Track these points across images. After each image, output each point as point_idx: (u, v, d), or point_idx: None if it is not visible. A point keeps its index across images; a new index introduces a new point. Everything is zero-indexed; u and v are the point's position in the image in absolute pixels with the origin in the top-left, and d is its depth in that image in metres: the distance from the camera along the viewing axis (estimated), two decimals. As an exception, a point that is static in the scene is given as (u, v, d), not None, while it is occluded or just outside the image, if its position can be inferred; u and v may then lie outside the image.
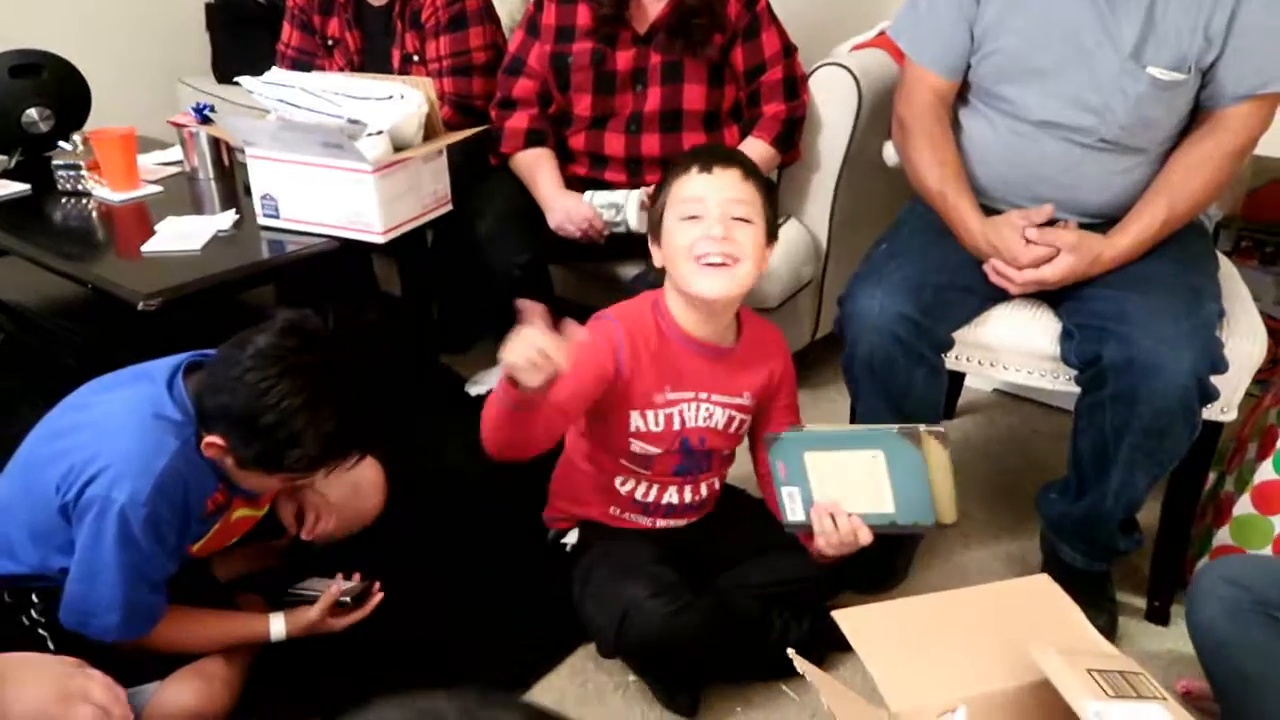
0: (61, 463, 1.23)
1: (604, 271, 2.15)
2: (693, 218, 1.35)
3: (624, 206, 1.89)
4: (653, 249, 1.44)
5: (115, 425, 1.24)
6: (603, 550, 1.48)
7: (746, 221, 1.36)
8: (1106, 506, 1.50)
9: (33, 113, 2.26)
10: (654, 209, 1.43)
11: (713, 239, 1.33)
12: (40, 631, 1.31)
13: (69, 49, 2.38)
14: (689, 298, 1.39)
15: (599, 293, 2.21)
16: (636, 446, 1.45)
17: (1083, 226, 1.53)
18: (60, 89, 2.30)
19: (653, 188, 1.87)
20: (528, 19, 2.04)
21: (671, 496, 1.52)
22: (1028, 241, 1.50)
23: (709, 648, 1.40)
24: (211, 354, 1.29)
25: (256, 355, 1.20)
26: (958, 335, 1.55)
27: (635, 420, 1.43)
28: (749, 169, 1.40)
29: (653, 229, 1.44)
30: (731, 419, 1.48)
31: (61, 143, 2.23)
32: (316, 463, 1.25)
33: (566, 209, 1.93)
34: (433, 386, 2.27)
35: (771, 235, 1.41)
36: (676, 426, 1.45)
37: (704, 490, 1.54)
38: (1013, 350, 1.56)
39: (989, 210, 1.57)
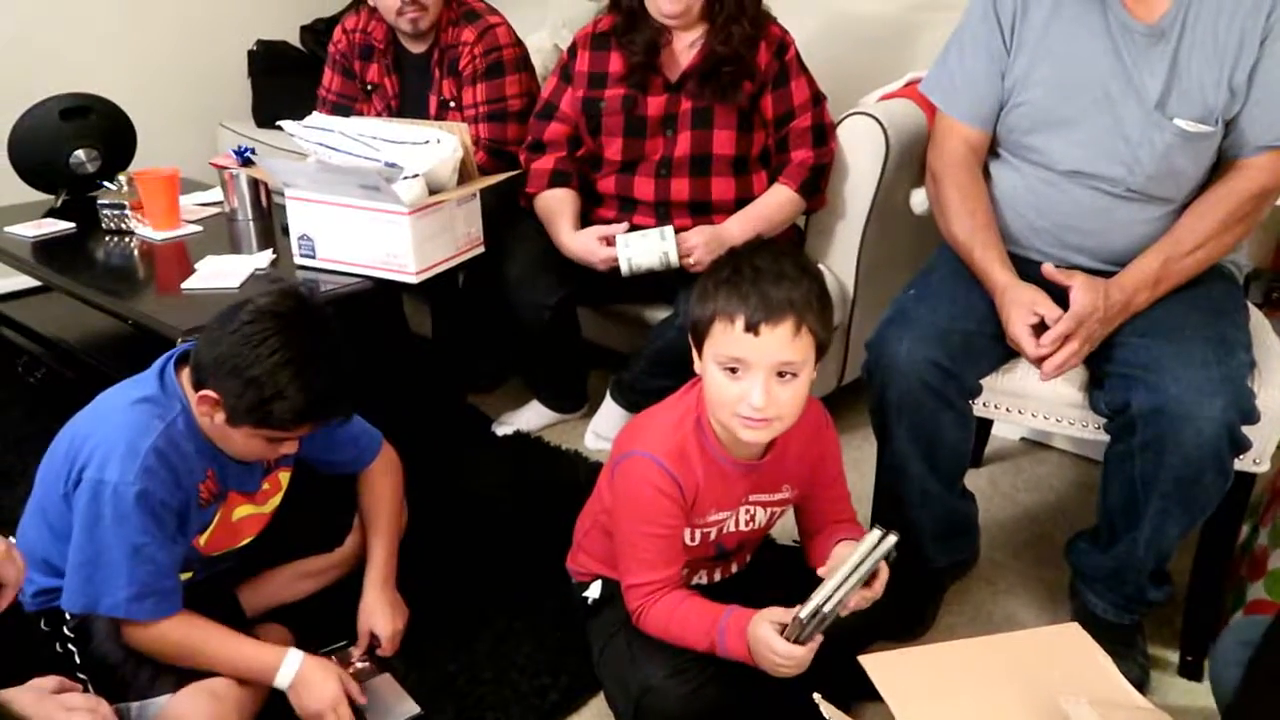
0: (63, 457, 1.31)
1: (631, 314, 2.18)
2: (733, 370, 1.26)
3: (667, 256, 1.89)
4: (693, 350, 1.34)
5: (102, 415, 1.32)
6: (623, 614, 1.43)
7: (794, 375, 1.26)
8: (1137, 556, 1.48)
9: (80, 154, 2.33)
10: (696, 311, 1.30)
11: (754, 408, 1.25)
12: (75, 660, 1.33)
13: (117, 92, 2.46)
14: (729, 431, 1.33)
15: (625, 335, 2.24)
16: None
17: (1110, 276, 1.53)
18: (107, 131, 2.38)
19: (683, 257, 1.89)
20: (561, 66, 2.09)
21: (700, 579, 1.51)
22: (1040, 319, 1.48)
23: (732, 713, 1.37)
24: None
25: (254, 310, 1.27)
26: (986, 382, 1.56)
27: None
28: (803, 313, 1.24)
29: (694, 337, 1.32)
30: (773, 515, 1.47)
31: (107, 183, 2.29)
32: (302, 418, 1.29)
33: (585, 249, 1.95)
34: (460, 426, 2.29)
35: (823, 350, 1.30)
36: (714, 537, 1.43)
37: (734, 568, 1.53)
38: (1041, 397, 1.56)
39: (1018, 259, 1.58)
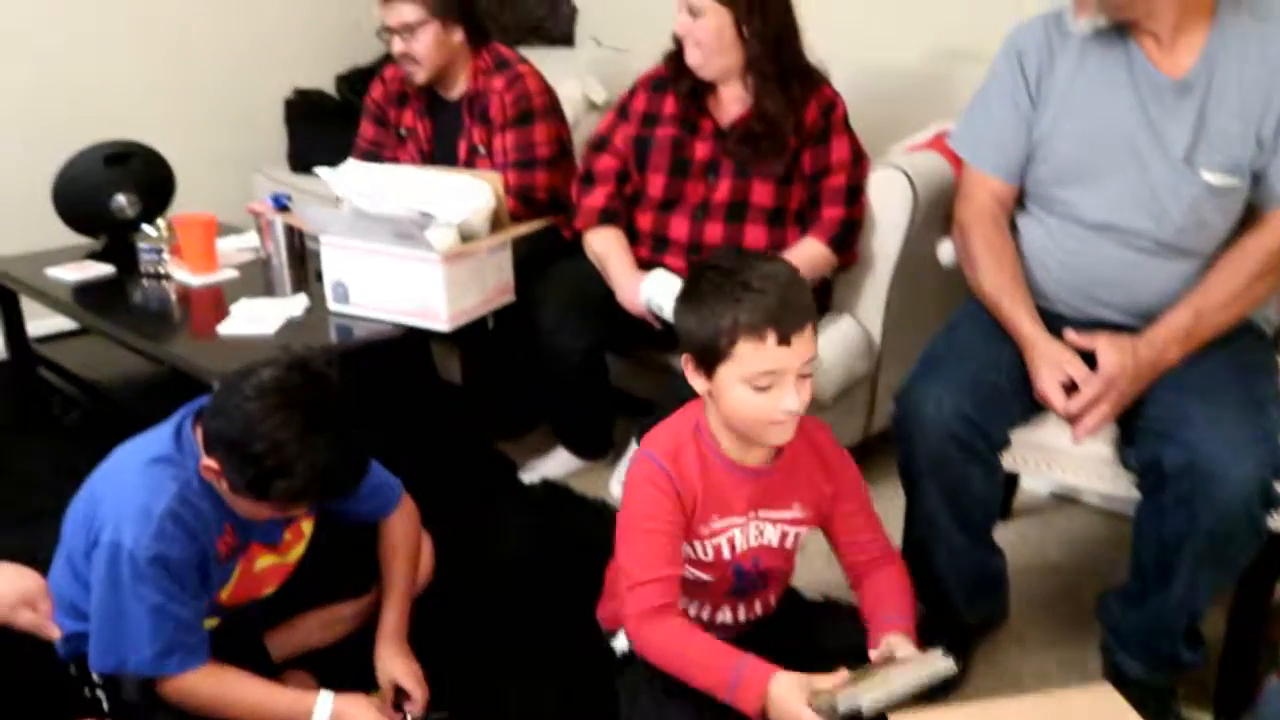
0: (83, 515, 1.32)
1: (658, 361, 2.19)
2: (765, 387, 1.25)
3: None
4: (691, 372, 1.32)
5: (119, 474, 1.32)
6: (651, 668, 1.39)
7: (809, 375, 1.29)
8: (1169, 615, 1.46)
9: (121, 199, 2.39)
10: (702, 334, 1.28)
11: (790, 412, 1.26)
12: (104, 707, 1.34)
13: (158, 138, 2.53)
14: (749, 438, 1.34)
15: (652, 382, 2.24)
16: (689, 574, 1.41)
17: (1138, 331, 1.52)
18: (148, 177, 2.44)
19: None
20: (620, 104, 2.14)
21: (725, 616, 1.49)
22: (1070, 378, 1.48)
23: None
24: None
25: (259, 386, 1.24)
26: (1015, 435, 1.55)
27: (685, 551, 1.39)
28: (814, 316, 1.29)
29: (701, 360, 1.30)
30: (785, 534, 1.44)
31: (146, 227, 2.34)
32: (301, 495, 1.29)
33: (629, 296, 1.98)
34: (486, 472, 2.30)
35: None
36: (727, 554, 1.41)
37: (758, 608, 1.51)
38: (1070, 453, 1.55)
39: (1046, 313, 1.58)
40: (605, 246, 2.06)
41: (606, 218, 2.09)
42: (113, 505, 1.28)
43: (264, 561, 1.45)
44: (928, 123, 2.30)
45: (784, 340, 1.23)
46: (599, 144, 2.13)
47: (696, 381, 1.32)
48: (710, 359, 1.28)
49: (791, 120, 1.96)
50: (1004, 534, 1.82)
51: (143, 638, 1.27)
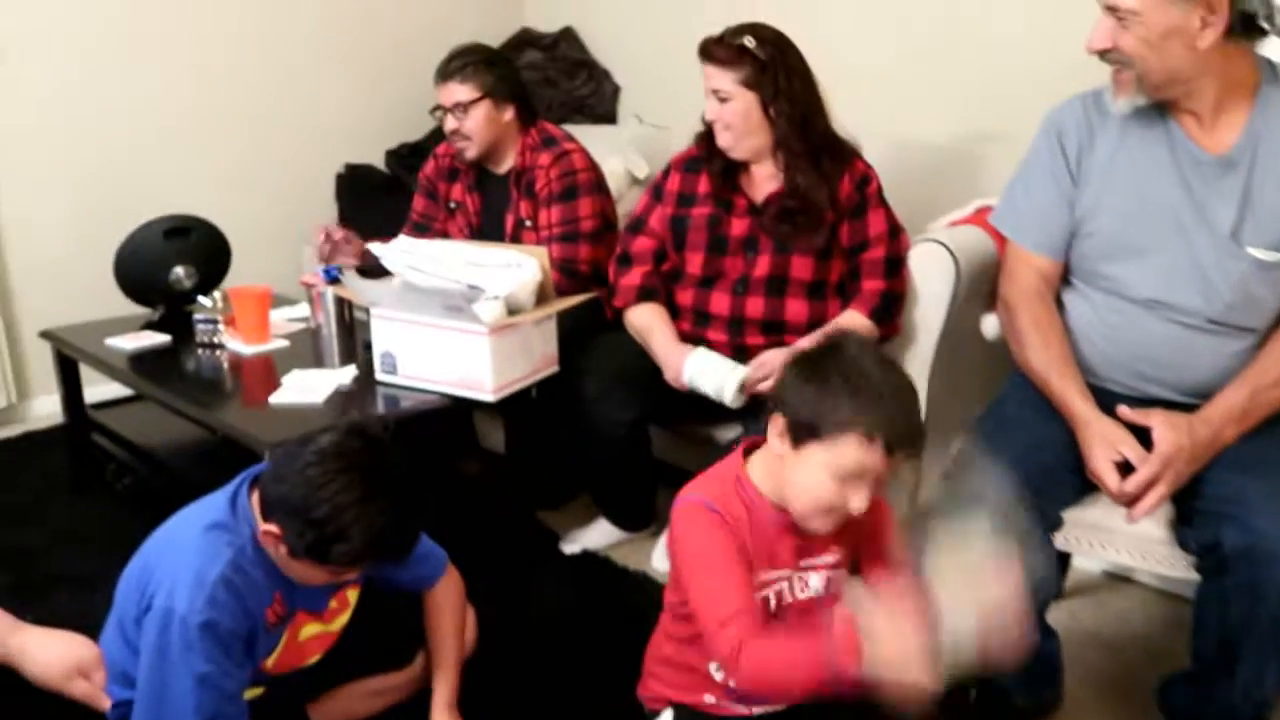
0: (137, 580, 1.34)
1: (701, 433, 2.19)
2: (847, 483, 1.24)
3: (723, 389, 1.92)
4: (776, 430, 1.29)
5: (175, 539, 1.34)
6: None
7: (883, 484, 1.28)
8: (1234, 704, 1.42)
9: (179, 270, 2.46)
10: (811, 408, 1.26)
11: (855, 512, 1.25)
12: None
13: (215, 212, 2.61)
14: (798, 518, 1.32)
15: (695, 454, 2.23)
16: None
17: (1191, 409, 1.50)
18: (205, 250, 2.51)
19: (755, 370, 1.93)
20: (654, 185, 2.18)
21: None
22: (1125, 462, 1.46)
23: None
24: None
25: (319, 451, 1.27)
26: (1067, 515, 1.52)
27: None
28: (923, 444, 1.29)
29: (795, 428, 1.27)
30: (828, 580, 1.42)
31: (202, 298, 2.41)
32: (360, 558, 1.30)
33: (674, 370, 2.00)
34: (527, 542, 2.29)
35: None
36: (773, 606, 1.39)
37: None
38: (1125, 533, 1.52)
39: (1096, 389, 1.56)
40: (646, 322, 2.09)
41: (645, 294, 2.12)
42: (168, 570, 1.30)
43: (309, 630, 1.45)
44: (963, 198, 2.32)
45: (890, 450, 1.22)
46: (635, 226, 2.17)
47: (778, 444, 1.29)
48: (808, 434, 1.25)
49: (824, 194, 1.99)
50: (1055, 612, 1.78)
51: (187, 709, 1.28)
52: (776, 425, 1.30)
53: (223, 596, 1.28)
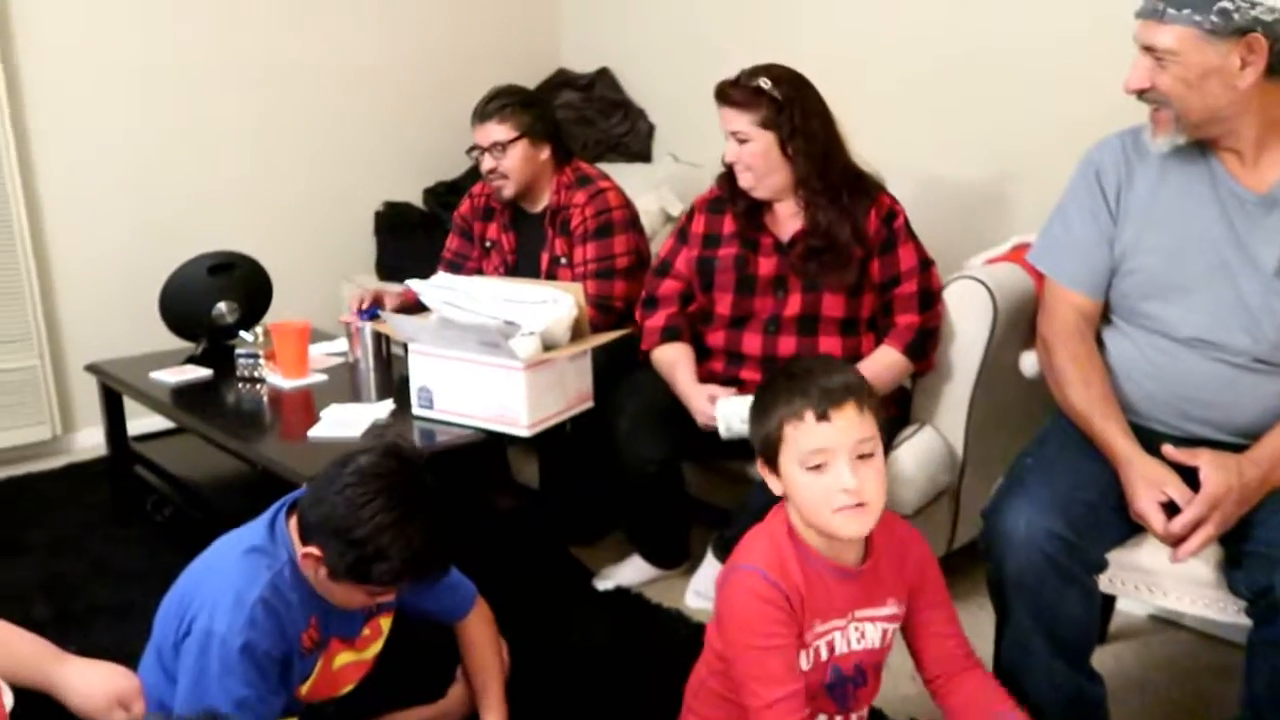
0: (177, 605, 1.35)
1: (734, 470, 2.17)
2: (818, 467, 1.30)
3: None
4: (765, 474, 1.37)
5: (214, 565, 1.36)
6: None
7: (870, 456, 1.30)
8: (1289, 756, 1.36)
9: (222, 306, 2.50)
10: (761, 431, 1.36)
11: (848, 492, 1.28)
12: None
13: (257, 248, 2.67)
14: (828, 533, 1.34)
15: (729, 492, 2.23)
16: None
17: (1236, 449, 1.47)
18: (248, 286, 2.56)
19: None
20: (679, 227, 2.19)
21: None
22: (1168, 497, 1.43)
23: None
24: None
25: (357, 472, 1.30)
26: (1112, 556, 1.49)
27: None
28: (860, 395, 1.31)
29: (766, 457, 1.36)
30: (885, 632, 1.42)
31: (244, 332, 2.44)
32: (400, 576, 1.32)
33: (697, 406, 1.99)
34: (560, 578, 2.28)
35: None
36: (825, 657, 1.39)
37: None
38: (1172, 576, 1.48)
39: (1138, 429, 1.54)
40: (670, 361, 2.08)
41: (669, 335, 2.12)
42: (208, 594, 1.32)
43: (342, 659, 1.46)
44: (998, 235, 2.31)
45: (822, 417, 1.29)
46: (661, 269, 2.17)
47: (771, 481, 1.37)
48: (771, 453, 1.34)
49: (848, 230, 1.98)
50: (1100, 656, 1.74)
51: None
52: (762, 470, 1.38)
53: (261, 618, 1.30)
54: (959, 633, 1.45)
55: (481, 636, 1.60)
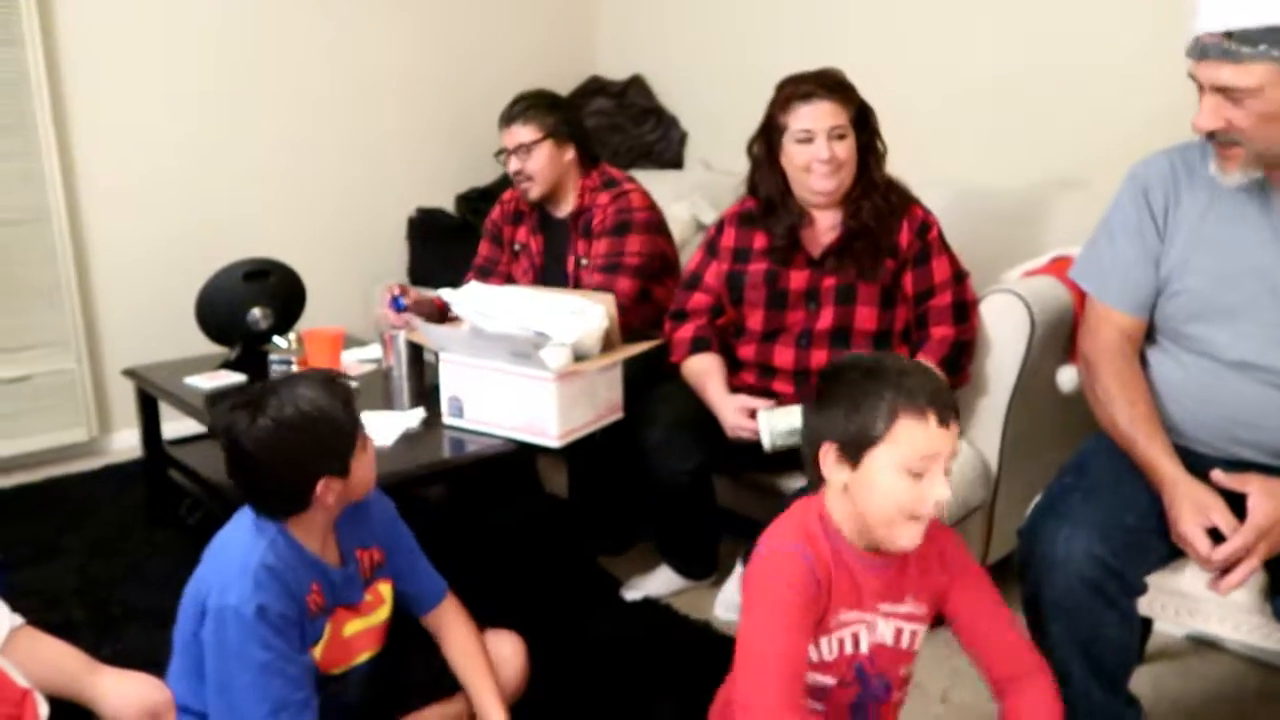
0: (191, 598, 1.39)
1: (765, 483, 2.16)
2: (920, 475, 1.21)
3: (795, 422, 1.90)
4: (828, 464, 1.27)
5: (215, 549, 1.41)
6: None
7: (951, 472, 1.25)
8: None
9: (256, 312, 2.52)
10: (857, 420, 1.24)
11: (939, 504, 1.21)
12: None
13: (291, 255, 2.69)
14: (876, 537, 1.29)
15: (760, 504, 2.21)
16: (810, 679, 1.36)
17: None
18: (282, 292, 2.58)
19: None
20: (708, 240, 2.17)
21: None
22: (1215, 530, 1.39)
23: None
24: None
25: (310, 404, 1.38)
26: (1152, 580, 1.46)
27: (810, 651, 1.34)
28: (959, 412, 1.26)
29: (848, 449, 1.25)
30: (900, 631, 1.36)
31: (278, 339, 2.46)
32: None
33: (731, 419, 1.98)
34: (588, 588, 2.28)
35: None
36: (849, 650, 1.36)
37: None
38: (1213, 600, 1.45)
39: (1183, 451, 1.50)
40: (700, 371, 2.07)
41: (697, 346, 2.11)
42: (214, 577, 1.36)
43: (353, 627, 1.48)
44: (1036, 247, 2.28)
45: (943, 422, 1.21)
46: (691, 282, 2.16)
47: (837, 473, 1.27)
48: (862, 444, 1.23)
49: (886, 224, 1.97)
50: (1137, 679, 1.70)
51: (254, 697, 1.31)
52: (829, 457, 1.28)
53: (266, 580, 1.34)
54: (1018, 635, 1.38)
55: (460, 636, 1.58)
